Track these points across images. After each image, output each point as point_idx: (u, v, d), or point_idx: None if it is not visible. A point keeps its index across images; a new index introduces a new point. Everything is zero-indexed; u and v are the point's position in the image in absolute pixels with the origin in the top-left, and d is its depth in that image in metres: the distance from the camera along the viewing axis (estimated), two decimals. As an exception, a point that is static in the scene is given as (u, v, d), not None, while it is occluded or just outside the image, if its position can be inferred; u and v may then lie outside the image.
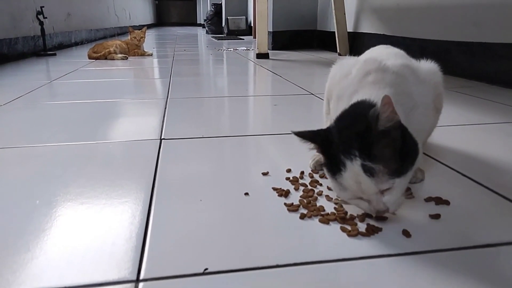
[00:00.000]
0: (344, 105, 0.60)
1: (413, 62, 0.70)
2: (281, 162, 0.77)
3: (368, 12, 2.49)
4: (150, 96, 1.49)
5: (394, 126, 0.49)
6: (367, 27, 2.51)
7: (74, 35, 3.99)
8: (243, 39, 5.28)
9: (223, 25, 6.74)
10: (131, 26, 2.86)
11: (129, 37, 2.85)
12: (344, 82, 0.66)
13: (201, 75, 2.04)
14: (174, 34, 7.16)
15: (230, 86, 1.73)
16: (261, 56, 2.62)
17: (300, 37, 3.36)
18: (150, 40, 5.08)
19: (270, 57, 2.63)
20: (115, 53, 2.58)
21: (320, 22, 3.30)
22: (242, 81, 1.84)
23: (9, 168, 0.77)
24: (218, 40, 5.18)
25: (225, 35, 6.33)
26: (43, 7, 2.83)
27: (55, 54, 2.90)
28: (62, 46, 3.58)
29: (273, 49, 3.30)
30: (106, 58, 2.57)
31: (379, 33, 2.35)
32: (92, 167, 0.77)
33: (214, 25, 7.16)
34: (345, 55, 2.71)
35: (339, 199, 0.60)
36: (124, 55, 2.58)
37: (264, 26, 2.59)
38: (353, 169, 0.49)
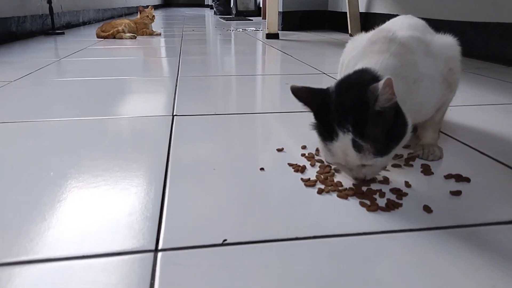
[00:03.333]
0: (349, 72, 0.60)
1: (428, 35, 0.68)
2: (296, 139, 0.76)
3: (381, -8, 2.44)
4: (160, 74, 1.48)
5: (390, 106, 0.48)
6: (379, 8, 2.46)
7: (82, 14, 3.95)
8: (252, 20, 5.21)
9: (231, 6, 6.65)
10: (141, 6, 2.82)
11: (138, 16, 2.82)
12: (353, 53, 0.66)
13: (210, 54, 2.02)
14: (182, 15, 7.08)
15: (240, 65, 1.70)
16: (271, 36, 2.58)
17: (311, 17, 3.30)
18: (157, 21, 5.03)
19: (280, 38, 2.59)
20: (124, 32, 2.56)
21: (331, 2, 3.24)
22: (252, 60, 1.82)
23: (23, 142, 0.76)
24: (226, 21, 5.12)
25: (233, 16, 6.25)
26: (51, -16, 2.80)
27: (63, 33, 2.88)
28: (70, 26, 3.55)
29: (282, 29, 3.24)
30: (114, 37, 2.55)
31: (392, 13, 2.30)
32: (105, 141, 0.76)
33: (223, 6, 7.07)
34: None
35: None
36: (132, 34, 2.56)
37: (274, 6, 2.54)
38: (344, 141, 0.50)
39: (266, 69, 1.62)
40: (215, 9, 7.29)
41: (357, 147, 0.49)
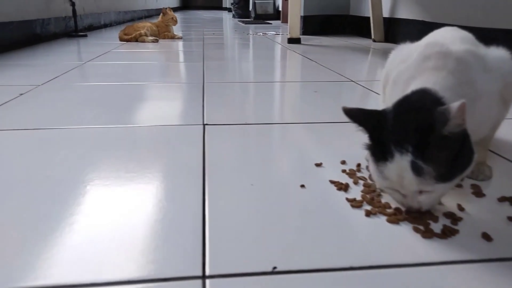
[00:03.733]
0: (399, 90, 0.57)
1: (480, 48, 0.65)
2: (333, 153, 0.73)
3: (407, -3, 2.39)
4: (185, 79, 1.47)
5: (458, 132, 0.45)
6: (404, 13, 2.41)
7: (103, 16, 3.99)
8: (271, 23, 5.20)
9: (250, 9, 6.65)
10: (164, 8, 2.83)
11: (160, 19, 2.83)
12: (402, 66, 0.62)
13: (233, 59, 2.00)
14: (201, 17, 7.12)
15: (264, 71, 1.68)
16: (293, 41, 2.56)
17: (332, 22, 3.27)
18: (177, 24, 5.06)
19: (301, 42, 2.57)
20: (146, 35, 2.57)
21: (353, 7, 3.20)
22: (276, 66, 1.80)
23: (56, 149, 0.75)
24: (245, 24, 5.12)
25: (252, 19, 6.24)
26: (75, -14, 2.83)
27: (86, 36, 2.90)
28: (92, 28, 3.58)
29: (303, 34, 3.22)
30: (137, 40, 2.56)
31: (417, 19, 2.26)
32: (138, 151, 0.75)
33: (241, 9, 7.07)
34: (380, 41, 2.62)
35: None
36: (155, 37, 2.56)
37: (297, 10, 2.52)
38: (401, 163, 0.47)
39: (292, 76, 1.60)
40: (233, 12, 7.30)
41: (416, 169, 0.46)
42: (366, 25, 2.93)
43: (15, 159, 0.71)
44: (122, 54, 2.05)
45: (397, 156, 0.47)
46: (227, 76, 1.53)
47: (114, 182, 0.61)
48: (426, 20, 2.17)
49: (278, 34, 3.38)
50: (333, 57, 2.00)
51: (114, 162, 0.69)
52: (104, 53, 2.03)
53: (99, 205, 0.54)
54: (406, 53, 0.66)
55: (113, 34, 3.17)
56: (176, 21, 2.83)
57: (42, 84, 1.29)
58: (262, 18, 6.14)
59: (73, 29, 2.95)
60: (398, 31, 2.50)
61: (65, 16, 2.95)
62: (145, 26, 2.65)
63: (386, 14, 2.63)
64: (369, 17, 2.81)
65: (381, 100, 0.75)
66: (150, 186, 0.60)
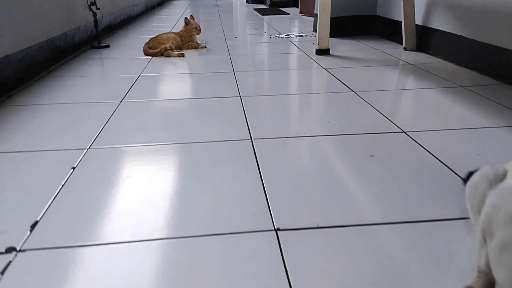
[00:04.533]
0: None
1: None
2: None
3: (442, 7, 2.29)
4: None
5: None
6: (439, 24, 2.32)
7: (120, 14, 3.92)
8: (288, 13, 5.07)
9: (264, -5, 6.48)
10: (187, 17, 2.76)
11: (183, 28, 2.77)
12: None
13: (263, 72, 1.96)
14: (214, 4, 6.96)
15: (294, 116, 1.64)
16: (322, 52, 2.49)
17: (358, 22, 3.17)
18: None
19: (330, 53, 2.50)
20: (171, 49, 2.51)
21: (380, 7, 3.09)
22: (308, 107, 1.75)
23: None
24: (262, 15, 5.00)
25: (267, 6, 6.09)
26: (97, -3, 2.76)
27: (108, 46, 2.85)
28: (110, 29, 3.53)
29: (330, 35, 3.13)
30: (162, 55, 2.51)
31: (455, 33, 2.17)
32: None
33: (255, -7, 6.91)
34: (411, 50, 2.54)
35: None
36: (180, 52, 2.51)
37: (326, 20, 2.44)
38: None
39: (333, 123, 1.56)
40: (247, -3, 7.13)
41: None
42: (393, 28, 2.84)
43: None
44: (153, 80, 2.02)
45: None
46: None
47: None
48: (465, 36, 2.09)
49: (302, 35, 3.29)
50: (369, 81, 1.94)
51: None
52: (135, 78, 2.00)
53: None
54: None
55: (135, 41, 3.12)
56: (199, 30, 2.77)
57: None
58: (277, 5, 5.99)
59: (94, 35, 2.91)
60: (431, 41, 2.42)
61: (86, 23, 2.90)
62: (169, 38, 2.59)
63: (418, 21, 2.53)
64: (397, 21, 2.72)
65: (478, 243, 0.63)
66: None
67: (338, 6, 3.05)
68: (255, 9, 5.71)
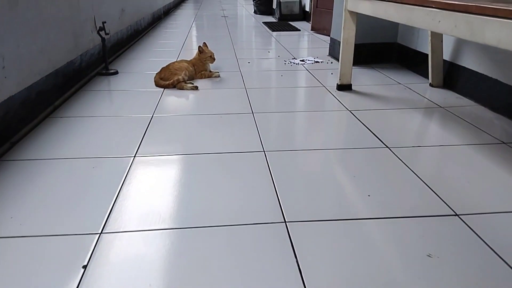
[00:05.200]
0: None
1: None
2: None
3: (475, 47, 2.15)
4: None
5: None
6: (471, 63, 2.18)
7: (127, 30, 3.79)
8: (299, 29, 4.93)
9: (274, 7, 6.35)
10: (201, 45, 2.62)
11: (196, 55, 2.63)
12: None
13: (283, 115, 1.82)
14: (221, 15, 6.82)
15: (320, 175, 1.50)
16: (343, 87, 2.35)
17: (378, 50, 3.03)
18: (199, 32, 4.82)
19: (352, 88, 2.37)
20: (184, 81, 2.38)
21: (401, 36, 2.96)
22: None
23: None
24: (272, 30, 4.86)
25: (276, 20, 5.96)
26: (105, 22, 2.62)
27: (116, 73, 2.71)
28: (118, 47, 3.39)
29: (346, 64, 3.00)
30: (174, 87, 2.37)
31: (488, 75, 2.03)
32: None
33: (263, 5, 6.78)
34: (437, 86, 2.40)
35: None
36: (194, 85, 2.37)
37: (349, 55, 2.30)
38: None
39: (364, 185, 1.42)
40: (255, 8, 7.00)
41: None
42: (415, 58, 2.72)
43: None
44: (167, 124, 1.88)
45: None
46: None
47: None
48: (501, 80, 1.95)
49: (317, 61, 3.16)
50: (401, 131, 1.80)
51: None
52: (148, 121, 1.86)
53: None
54: None
55: (143, 65, 2.98)
56: (214, 59, 2.63)
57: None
58: (287, 19, 5.86)
59: (101, 57, 2.77)
60: (459, 79, 2.28)
61: (93, 46, 2.76)
62: (182, 68, 2.45)
63: (446, 56, 2.40)
64: (420, 52, 2.60)
65: None
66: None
67: (357, 32, 2.91)
68: (265, 23, 5.58)
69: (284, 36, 4.47)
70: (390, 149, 1.56)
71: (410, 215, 1.13)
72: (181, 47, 3.77)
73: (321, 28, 4.60)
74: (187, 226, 1.07)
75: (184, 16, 6.64)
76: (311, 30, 4.83)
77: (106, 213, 1.12)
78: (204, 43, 2.70)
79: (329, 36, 3.44)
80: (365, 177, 1.34)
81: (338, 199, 1.20)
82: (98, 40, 2.76)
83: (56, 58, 2.17)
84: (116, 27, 3.41)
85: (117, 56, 3.31)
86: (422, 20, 1.41)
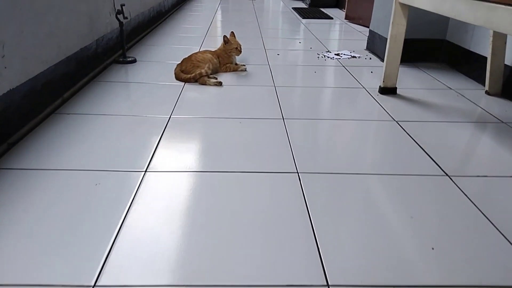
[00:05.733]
0: None
1: None
2: None
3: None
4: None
5: None
6: (541, 70, 1.87)
7: (149, 12, 3.55)
8: (331, 17, 4.60)
9: (304, -8, 6.00)
10: (226, 35, 2.36)
11: (221, 46, 2.38)
12: None
13: (318, 124, 1.56)
14: (244, 1, 6.50)
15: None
16: (387, 91, 2.07)
17: (423, 46, 2.71)
18: (224, 17, 4.54)
19: (397, 92, 2.08)
20: (207, 75, 2.13)
21: (452, 32, 2.63)
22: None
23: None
24: (302, 17, 4.54)
25: (307, 6, 5.62)
26: (124, 5, 2.38)
27: (134, 61, 2.49)
28: (139, 31, 3.16)
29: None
30: (196, 81, 2.13)
31: None
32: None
33: (293, -11, 6.41)
34: (495, 95, 2.09)
35: None
36: (218, 81, 2.12)
37: (397, 55, 2.01)
38: None
39: (425, 231, 1.16)
40: (284, -8, 6.65)
41: None
42: (467, 59, 2.40)
43: None
44: (185, 129, 1.65)
45: None
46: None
47: None
48: None
49: (354, 56, 2.86)
50: (460, 153, 1.52)
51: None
52: (164, 124, 1.64)
53: None
54: None
55: (163, 52, 2.75)
56: (240, 51, 2.37)
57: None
58: (318, 5, 5.52)
59: (119, 43, 2.55)
60: (523, 86, 1.97)
61: (111, 31, 2.54)
62: (205, 60, 2.20)
63: (508, 61, 2.08)
64: (473, 53, 2.29)
65: None
66: None
67: (402, 27, 2.60)
68: (294, 9, 5.25)
69: (316, 24, 4.16)
70: (451, 179, 1.28)
71: (490, 283, 0.87)
72: (205, 33, 3.51)
73: (356, 17, 4.26)
74: (201, 285, 0.84)
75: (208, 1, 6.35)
76: (345, 19, 4.49)
77: (103, 255, 0.90)
78: (232, 32, 2.44)
79: (365, 26, 3.14)
80: (425, 220, 1.08)
81: (393, 256, 0.95)
82: (116, 23, 2.53)
83: (67, 44, 1.95)
84: (137, 9, 3.18)
85: (137, 41, 3.08)
86: (509, 23, 1.11)
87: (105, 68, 2.36)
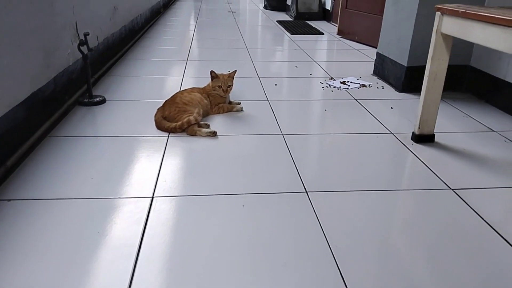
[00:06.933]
0: None
1: None
2: None
3: None
4: None
5: None
6: None
7: (120, 33, 3.06)
8: (322, 33, 4.21)
9: (288, 3, 5.61)
10: (214, 71, 1.90)
11: (209, 83, 1.93)
12: None
13: (353, 197, 1.14)
14: (227, 9, 6.06)
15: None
16: (424, 139, 1.67)
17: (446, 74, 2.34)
18: (207, 32, 4.07)
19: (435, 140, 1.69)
20: (198, 122, 1.67)
21: (477, 57, 2.27)
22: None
23: None
24: (290, 33, 4.14)
25: (292, 18, 5.23)
26: (88, 34, 1.90)
27: (103, 101, 2.00)
28: (108, 56, 2.66)
29: (405, 90, 2.32)
30: (183, 131, 1.67)
31: None
32: None
33: (275, 0, 6.02)
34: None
35: None
36: (211, 130, 1.66)
37: (436, 96, 1.62)
38: None
39: None
40: (265, 2, 6.26)
41: None
42: (498, 89, 2.04)
43: None
44: (172, 222, 1.20)
45: None
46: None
47: None
48: None
49: (364, 84, 2.46)
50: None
51: None
52: (145, 214, 1.17)
53: None
54: None
55: (138, 86, 2.27)
56: (225, 92, 1.88)
57: None
58: (304, 17, 5.14)
59: (84, 75, 2.06)
60: None
61: (74, 63, 2.05)
62: (193, 101, 1.75)
63: None
64: (500, 80, 1.93)
65: None
66: None
67: (420, 52, 2.23)
68: (279, 22, 4.85)
69: (307, 42, 3.76)
70: None
71: None
72: (187, 57, 3.05)
73: (351, 32, 3.88)
74: None
75: (185, 11, 5.88)
76: (338, 34, 4.11)
77: None
78: (234, 71, 1.96)
79: (362, 43, 2.76)
80: None
81: None
82: (78, 54, 2.05)
83: (11, 92, 1.46)
84: (107, 31, 2.69)
85: (107, 70, 2.58)
86: None
87: (66, 112, 1.87)
